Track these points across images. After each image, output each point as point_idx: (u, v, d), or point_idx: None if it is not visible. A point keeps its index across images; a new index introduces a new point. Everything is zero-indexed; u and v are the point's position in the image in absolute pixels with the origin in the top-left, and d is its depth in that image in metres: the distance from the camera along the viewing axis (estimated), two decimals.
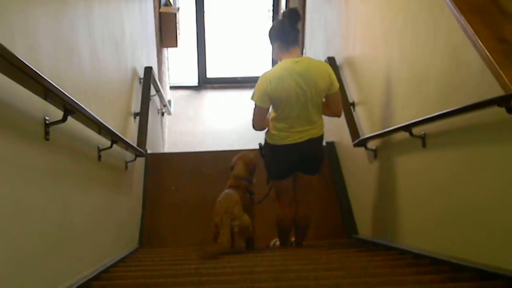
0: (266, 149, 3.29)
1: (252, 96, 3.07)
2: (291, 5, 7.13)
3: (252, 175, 3.58)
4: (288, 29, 3.07)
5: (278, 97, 3.01)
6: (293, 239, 3.62)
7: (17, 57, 1.44)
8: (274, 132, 3.15)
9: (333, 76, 3.09)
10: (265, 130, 3.27)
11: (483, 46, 1.78)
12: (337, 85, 3.09)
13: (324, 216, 4.25)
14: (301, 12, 5.98)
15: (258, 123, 3.15)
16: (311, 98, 3.02)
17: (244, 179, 3.48)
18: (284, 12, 3.17)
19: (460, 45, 2.04)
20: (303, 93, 3.00)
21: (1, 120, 1.55)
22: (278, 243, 3.74)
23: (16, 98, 1.65)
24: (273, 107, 3.12)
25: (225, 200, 3.24)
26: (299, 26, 3.14)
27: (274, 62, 9.22)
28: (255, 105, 3.08)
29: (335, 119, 3.51)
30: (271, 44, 3.19)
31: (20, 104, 1.69)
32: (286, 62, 3.04)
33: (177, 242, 4.07)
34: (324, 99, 3.13)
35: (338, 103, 3.19)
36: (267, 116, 3.19)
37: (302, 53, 6.13)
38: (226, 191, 3.35)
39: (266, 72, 3.09)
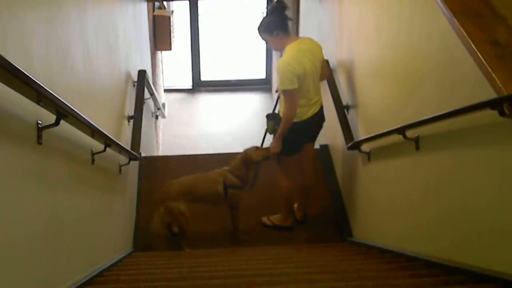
0: (288, 131, 3.57)
1: (284, 84, 3.40)
2: None
3: (245, 170, 3.84)
4: (285, 18, 3.50)
5: (299, 75, 3.40)
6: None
7: (9, 62, 1.43)
8: (297, 109, 3.50)
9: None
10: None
11: (475, 49, 1.78)
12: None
13: (319, 219, 4.26)
14: (295, 16, 6.06)
15: (295, 106, 3.47)
16: (317, 70, 3.56)
17: (230, 173, 3.85)
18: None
19: (453, 48, 2.05)
20: (314, 67, 3.51)
21: None
22: (268, 221, 4.17)
23: (9, 102, 1.64)
24: None
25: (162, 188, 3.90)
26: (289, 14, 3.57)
27: (268, 64, 9.27)
28: (288, 91, 3.41)
29: (328, 122, 3.63)
30: (270, 36, 3.53)
31: (13, 108, 1.68)
32: (294, 45, 3.47)
33: (171, 245, 4.05)
34: None
35: (328, 67, 4.06)
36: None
37: None
38: (172, 181, 3.92)
39: (283, 59, 3.45)
